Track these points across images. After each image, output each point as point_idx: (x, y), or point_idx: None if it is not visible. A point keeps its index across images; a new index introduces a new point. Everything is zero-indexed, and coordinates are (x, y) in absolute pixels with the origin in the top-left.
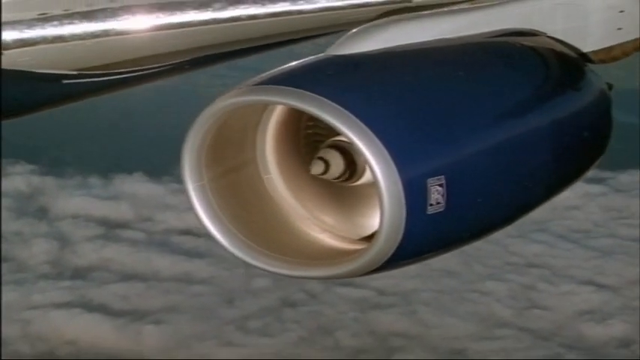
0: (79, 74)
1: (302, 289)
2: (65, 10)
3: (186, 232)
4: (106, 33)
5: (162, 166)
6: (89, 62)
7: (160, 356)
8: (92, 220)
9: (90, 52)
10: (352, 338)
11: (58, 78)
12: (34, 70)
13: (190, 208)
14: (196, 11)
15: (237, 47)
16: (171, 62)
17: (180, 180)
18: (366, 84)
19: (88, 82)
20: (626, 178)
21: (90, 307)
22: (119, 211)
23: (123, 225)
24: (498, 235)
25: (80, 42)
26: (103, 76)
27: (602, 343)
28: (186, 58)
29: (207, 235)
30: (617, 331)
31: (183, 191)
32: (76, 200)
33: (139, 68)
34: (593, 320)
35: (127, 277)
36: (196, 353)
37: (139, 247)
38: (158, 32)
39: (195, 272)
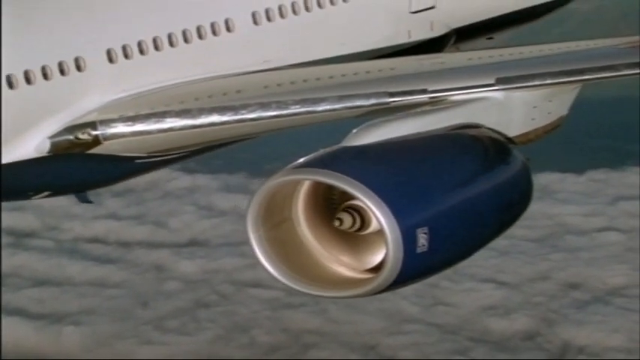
0: (147, 156)
1: (213, 290)
2: (137, 113)
3: (95, 240)
4: (170, 129)
5: None
6: (154, 148)
7: (83, 355)
8: None
9: (156, 141)
10: (267, 336)
11: (133, 159)
12: (118, 154)
13: (99, 217)
14: (236, 112)
15: (261, 134)
16: (206, 145)
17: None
18: (371, 165)
19: (151, 161)
20: None
21: (7, 310)
22: (25, 220)
23: (30, 234)
24: None
25: (151, 137)
26: (161, 157)
27: (508, 336)
28: (218, 143)
29: (117, 242)
30: (521, 325)
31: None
32: None
33: (186, 151)
34: (497, 315)
35: (41, 282)
36: (117, 352)
37: (49, 254)
38: (207, 128)
39: (107, 277)
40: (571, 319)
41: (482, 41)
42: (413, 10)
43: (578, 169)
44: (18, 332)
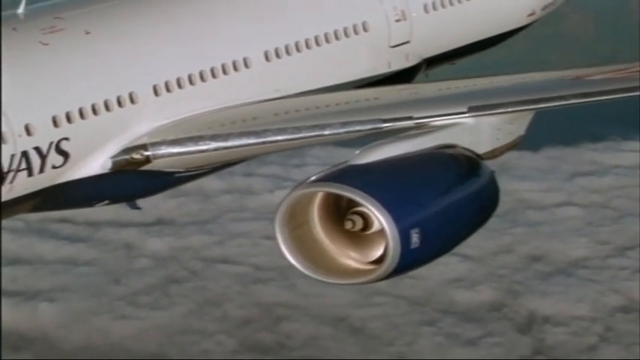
0: (185, 171)
1: (183, 267)
2: (178, 137)
3: (63, 220)
4: (205, 150)
5: None
6: (191, 164)
7: (58, 330)
8: None
9: (193, 160)
10: (239, 309)
11: (174, 173)
12: (163, 170)
13: None
14: (258, 136)
15: (278, 151)
16: (232, 161)
17: None
18: (373, 179)
19: (188, 174)
20: None
21: None
22: None
23: None
24: None
25: (190, 156)
26: (196, 171)
27: (474, 307)
28: (241, 159)
29: (85, 222)
30: (487, 296)
31: None
32: None
33: (215, 166)
34: (463, 287)
35: (12, 261)
36: (93, 327)
37: (19, 234)
38: (234, 149)
39: (78, 255)
40: (535, 290)
41: (447, 66)
42: (392, 44)
43: (534, 146)
44: None
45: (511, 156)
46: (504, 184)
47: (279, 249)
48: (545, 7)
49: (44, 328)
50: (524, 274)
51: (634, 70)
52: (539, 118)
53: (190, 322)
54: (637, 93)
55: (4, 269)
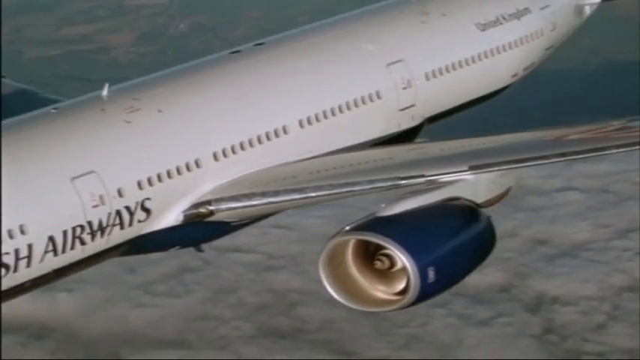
0: (239, 220)
1: (195, 256)
2: (234, 194)
3: None
4: (256, 205)
5: None
6: (245, 215)
7: (78, 318)
8: None
9: (247, 212)
10: (254, 296)
11: (230, 222)
12: (222, 220)
13: None
14: (300, 192)
15: (316, 204)
16: (277, 212)
17: None
18: (397, 228)
19: (241, 223)
20: None
21: None
22: None
23: None
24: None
25: (245, 209)
26: (248, 221)
27: (484, 289)
28: (284, 209)
29: None
30: (495, 279)
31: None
32: None
33: (263, 215)
34: None
35: None
36: (112, 315)
37: None
38: (280, 204)
39: None
40: (542, 272)
41: (444, 121)
42: (400, 108)
43: None
44: (14, 300)
45: None
46: None
47: (321, 283)
48: (525, 68)
49: (65, 317)
50: (529, 257)
51: (608, 129)
52: (535, 107)
53: (207, 309)
54: (609, 152)
55: None
